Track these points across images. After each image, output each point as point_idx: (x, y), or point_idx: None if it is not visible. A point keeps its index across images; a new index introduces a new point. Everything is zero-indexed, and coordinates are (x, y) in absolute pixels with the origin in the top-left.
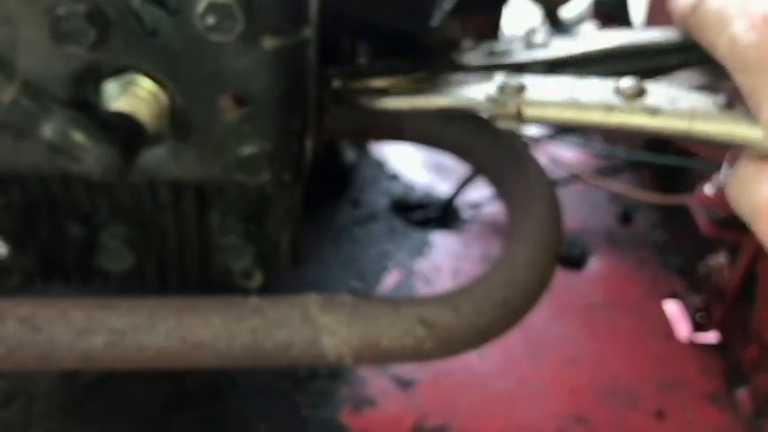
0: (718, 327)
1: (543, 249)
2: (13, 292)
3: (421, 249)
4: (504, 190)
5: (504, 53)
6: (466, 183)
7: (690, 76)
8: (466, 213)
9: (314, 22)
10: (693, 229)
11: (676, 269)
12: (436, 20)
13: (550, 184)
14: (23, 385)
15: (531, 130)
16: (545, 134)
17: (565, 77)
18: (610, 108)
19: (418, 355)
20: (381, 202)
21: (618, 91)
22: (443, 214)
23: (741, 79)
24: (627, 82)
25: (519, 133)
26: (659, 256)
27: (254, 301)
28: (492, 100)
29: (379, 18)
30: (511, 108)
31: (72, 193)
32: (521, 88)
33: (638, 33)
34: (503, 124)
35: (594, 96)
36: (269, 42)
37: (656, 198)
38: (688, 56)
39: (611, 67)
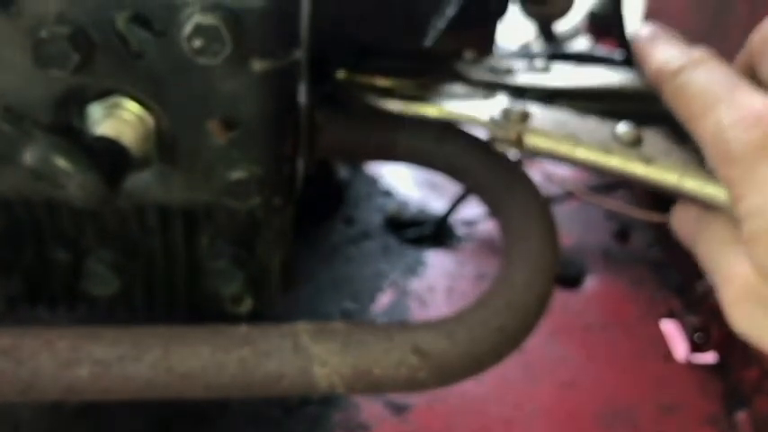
0: (717, 347)
1: (540, 271)
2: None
3: (415, 268)
4: (498, 211)
5: (506, 72)
6: (460, 200)
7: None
8: (460, 231)
9: (304, 43)
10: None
11: (673, 288)
12: (430, 39)
13: (545, 204)
14: (6, 413)
15: None
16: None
17: (566, 112)
18: (607, 150)
19: (412, 384)
20: (375, 220)
21: (615, 136)
22: (437, 232)
23: (721, 169)
24: (624, 127)
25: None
26: (656, 274)
27: (243, 329)
28: (495, 123)
29: (372, 38)
30: (512, 134)
31: (57, 218)
32: (525, 116)
33: (640, 76)
34: (501, 147)
35: (594, 136)
36: (258, 65)
37: (654, 217)
38: None
39: (610, 106)
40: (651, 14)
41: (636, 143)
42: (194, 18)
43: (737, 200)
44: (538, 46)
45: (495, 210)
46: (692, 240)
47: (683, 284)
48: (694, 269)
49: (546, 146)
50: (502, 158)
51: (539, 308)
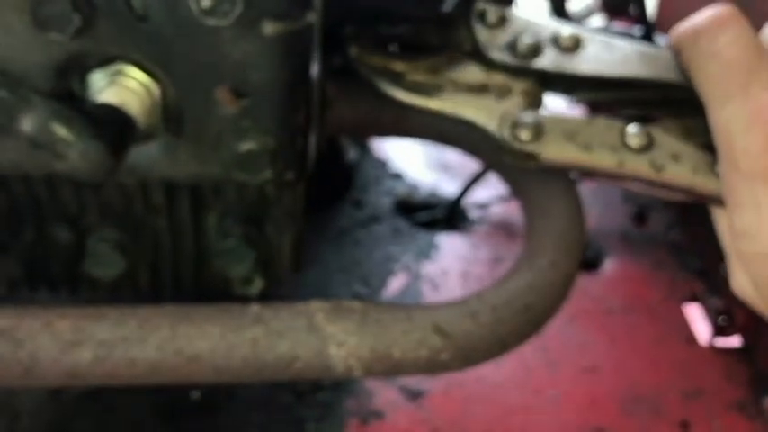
0: (742, 330)
1: (565, 250)
2: None
3: (427, 252)
4: (519, 188)
5: (531, 52)
6: (473, 182)
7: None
8: (473, 214)
9: (318, 6)
10: (710, 228)
11: (695, 270)
12: (448, 4)
13: (570, 180)
14: (7, 402)
15: None
16: None
17: (575, 116)
18: (620, 162)
19: (434, 366)
20: (385, 203)
21: (625, 141)
22: (450, 215)
23: (725, 168)
24: (634, 129)
25: None
26: (676, 256)
27: (254, 309)
28: (504, 140)
29: (386, 3)
30: (522, 152)
31: (58, 195)
32: (537, 133)
33: (666, 60)
34: (510, 162)
35: (605, 144)
36: (270, 28)
37: (675, 196)
38: None
39: (632, 95)
40: None
41: (647, 148)
42: None
43: (734, 209)
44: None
45: (515, 187)
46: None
47: (705, 267)
48: (716, 251)
49: (558, 160)
50: None
51: (564, 288)
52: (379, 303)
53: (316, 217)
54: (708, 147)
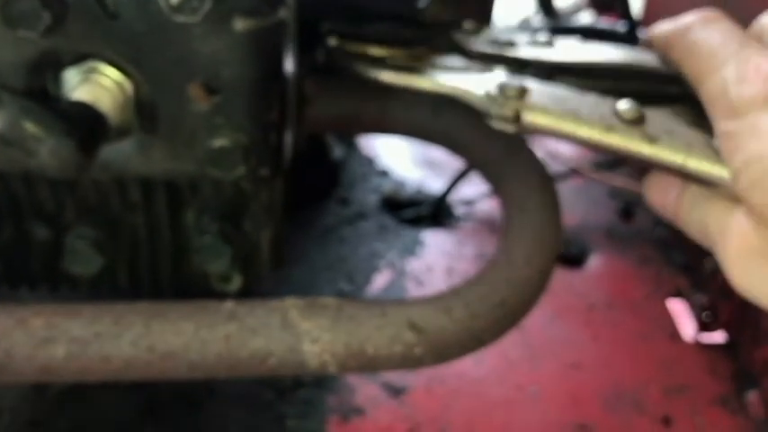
0: (726, 326)
1: (542, 246)
2: None
3: (412, 248)
4: (498, 184)
5: (507, 45)
6: (458, 179)
7: (686, 110)
8: (459, 210)
9: (291, 3)
10: None
11: (680, 266)
12: (423, 1)
13: (547, 176)
14: None
15: None
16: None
17: (565, 89)
18: (609, 127)
19: (408, 362)
20: (371, 200)
21: (617, 113)
22: (436, 212)
23: (722, 123)
24: (625, 104)
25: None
26: (662, 252)
27: (228, 305)
28: (491, 98)
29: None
30: (508, 111)
31: (35, 192)
32: (522, 92)
33: (645, 55)
34: (497, 125)
35: (594, 113)
36: (240, 24)
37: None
38: (687, 88)
39: (613, 84)
40: None
41: (638, 121)
42: None
43: (735, 150)
44: (538, 21)
45: (494, 182)
46: (673, 209)
47: (690, 263)
48: (701, 247)
49: (545, 123)
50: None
51: (540, 282)
52: (354, 300)
53: (302, 214)
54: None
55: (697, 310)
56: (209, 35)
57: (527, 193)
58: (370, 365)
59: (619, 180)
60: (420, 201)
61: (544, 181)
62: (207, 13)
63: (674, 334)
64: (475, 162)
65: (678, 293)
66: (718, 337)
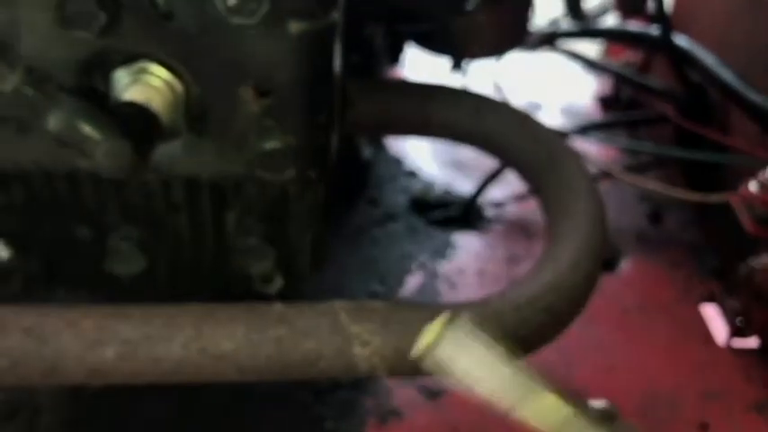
0: (760, 331)
1: (588, 251)
2: (15, 298)
3: (443, 251)
4: (542, 188)
5: None
6: (489, 180)
7: None
8: (489, 212)
9: (341, 4)
10: (728, 228)
11: (711, 270)
12: (471, 2)
13: (591, 180)
14: (27, 398)
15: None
16: (570, 129)
17: None
18: None
19: None
20: (400, 201)
21: None
22: (466, 213)
23: None
24: None
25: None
26: (693, 256)
27: (278, 308)
28: None
29: (411, 3)
30: None
31: (79, 192)
32: None
33: None
34: None
35: None
36: (295, 26)
37: (694, 197)
38: None
39: None
40: None
41: None
42: None
43: None
44: (566, 23)
45: (538, 187)
46: None
47: (722, 266)
48: (734, 251)
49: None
50: (545, 131)
51: (587, 288)
52: (402, 303)
53: (332, 215)
54: None
55: (730, 315)
56: (264, 37)
57: (573, 199)
58: (418, 369)
59: (649, 183)
60: (449, 202)
61: (589, 186)
62: (263, 15)
63: (707, 338)
64: (517, 166)
65: (711, 298)
66: (751, 342)
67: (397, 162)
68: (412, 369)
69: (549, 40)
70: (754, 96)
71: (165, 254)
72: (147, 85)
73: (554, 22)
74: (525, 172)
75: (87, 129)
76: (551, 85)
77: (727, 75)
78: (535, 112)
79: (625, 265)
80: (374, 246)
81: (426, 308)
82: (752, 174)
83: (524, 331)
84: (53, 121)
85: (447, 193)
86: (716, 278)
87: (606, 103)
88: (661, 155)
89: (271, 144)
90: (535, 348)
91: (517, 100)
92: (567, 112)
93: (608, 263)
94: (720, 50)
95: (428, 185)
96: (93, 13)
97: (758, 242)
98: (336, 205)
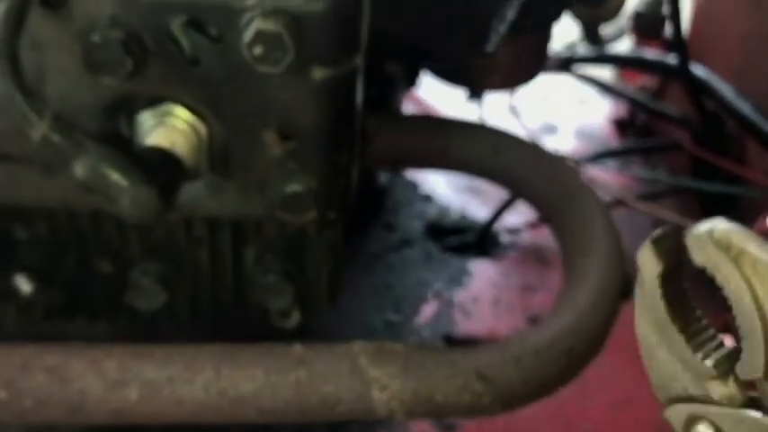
0: None
1: (607, 292)
2: (35, 328)
3: (459, 278)
4: (560, 226)
5: None
6: (505, 207)
7: None
8: (504, 239)
9: (363, 49)
10: None
11: (725, 303)
12: (492, 44)
13: (610, 220)
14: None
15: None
16: (584, 157)
17: None
18: None
19: (475, 410)
20: (416, 226)
21: None
22: (481, 240)
23: None
24: None
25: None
26: (706, 287)
27: (297, 350)
28: None
29: (432, 44)
30: None
31: (102, 229)
32: None
33: None
34: None
35: None
36: (318, 73)
37: None
38: None
39: None
40: (700, 14)
41: None
42: (255, 24)
43: None
44: (583, 47)
45: (556, 224)
46: None
47: None
48: None
49: None
50: (562, 168)
51: (606, 329)
52: (422, 346)
53: (348, 240)
54: None
55: None
56: (287, 83)
57: (591, 238)
58: (437, 413)
59: (663, 212)
60: (464, 228)
61: (607, 225)
62: (288, 63)
63: None
64: (535, 202)
65: (726, 328)
66: None
67: (412, 186)
68: (431, 412)
69: (565, 64)
70: None
71: (184, 289)
72: (172, 128)
73: (570, 47)
74: (542, 208)
75: (114, 176)
76: (566, 107)
77: (744, 107)
78: (550, 133)
79: None
80: (390, 272)
81: (445, 352)
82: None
83: (544, 375)
84: (80, 168)
85: (462, 218)
86: (730, 309)
87: (621, 126)
88: (676, 185)
89: (293, 187)
90: (554, 390)
91: (532, 121)
92: (582, 134)
93: (623, 292)
94: (736, 79)
95: (444, 210)
96: (121, 59)
97: None
98: (352, 231)
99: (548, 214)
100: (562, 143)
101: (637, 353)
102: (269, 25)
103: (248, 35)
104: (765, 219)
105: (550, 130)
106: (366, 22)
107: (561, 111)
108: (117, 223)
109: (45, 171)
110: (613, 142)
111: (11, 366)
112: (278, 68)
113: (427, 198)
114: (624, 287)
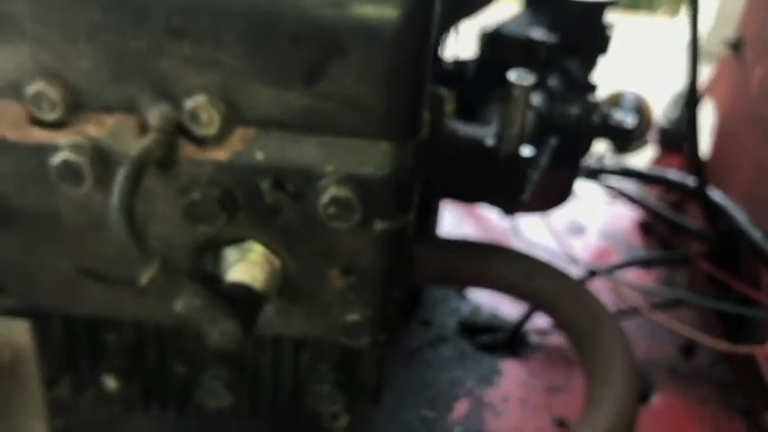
0: None
1: (623, 419)
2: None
3: (490, 377)
4: (582, 350)
5: None
6: (534, 310)
7: None
8: (533, 339)
9: (415, 204)
10: (755, 373)
11: (739, 410)
12: (528, 194)
13: (629, 348)
14: None
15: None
16: (604, 268)
17: None
18: None
19: None
20: (450, 323)
21: None
22: (512, 339)
23: None
24: None
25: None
26: (721, 394)
27: None
28: None
29: (474, 195)
30: None
31: (182, 339)
32: None
33: None
34: None
35: None
36: (379, 225)
37: (722, 345)
38: None
39: None
40: (721, 138)
41: None
42: (331, 190)
43: None
44: (610, 157)
45: (578, 348)
46: None
47: (748, 406)
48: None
49: None
50: (589, 299)
51: None
52: None
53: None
54: None
55: None
56: (353, 234)
57: (610, 365)
58: None
59: (679, 325)
60: (496, 326)
61: (626, 353)
62: (356, 220)
63: None
64: (561, 326)
65: None
66: None
67: None
68: None
69: (593, 175)
70: None
71: (248, 391)
72: (251, 262)
73: (599, 159)
74: (568, 332)
75: (208, 313)
76: (594, 208)
77: (757, 235)
78: (577, 233)
79: (656, 399)
80: (426, 368)
81: None
82: None
83: None
84: (179, 305)
85: (494, 317)
86: (743, 417)
87: (646, 228)
88: (692, 301)
89: (352, 317)
90: None
91: (561, 221)
92: (608, 234)
93: (641, 395)
94: (750, 205)
95: (476, 309)
96: (217, 213)
97: None
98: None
99: (572, 339)
100: (588, 243)
101: None
102: (342, 192)
103: (324, 198)
104: None
105: (578, 229)
106: (419, 183)
107: (588, 211)
108: (195, 335)
109: (142, 295)
110: (638, 244)
111: None
112: (347, 225)
113: (462, 296)
114: (643, 391)
